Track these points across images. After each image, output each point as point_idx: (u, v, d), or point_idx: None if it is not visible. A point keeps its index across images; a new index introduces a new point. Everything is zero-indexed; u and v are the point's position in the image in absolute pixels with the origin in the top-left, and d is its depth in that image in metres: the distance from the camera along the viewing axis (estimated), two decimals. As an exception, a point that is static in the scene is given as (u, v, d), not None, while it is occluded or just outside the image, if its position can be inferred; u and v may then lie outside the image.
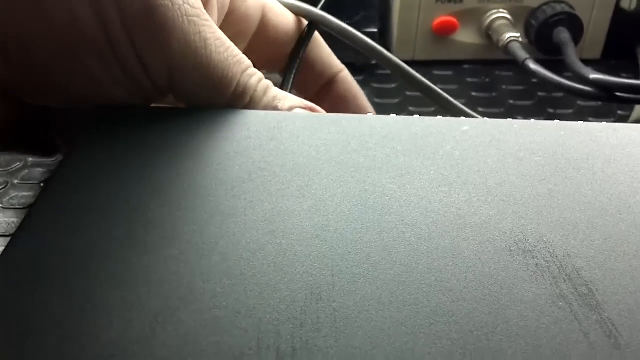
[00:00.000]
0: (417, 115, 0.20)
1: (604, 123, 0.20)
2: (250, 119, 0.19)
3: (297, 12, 0.28)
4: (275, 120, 0.19)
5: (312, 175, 0.17)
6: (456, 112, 0.29)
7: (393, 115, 0.21)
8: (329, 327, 0.12)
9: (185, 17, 0.18)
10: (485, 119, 0.21)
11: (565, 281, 0.13)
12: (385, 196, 0.16)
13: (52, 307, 0.13)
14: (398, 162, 0.18)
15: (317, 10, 0.28)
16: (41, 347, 0.12)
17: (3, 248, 0.14)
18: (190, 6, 0.18)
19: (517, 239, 0.15)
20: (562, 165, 0.18)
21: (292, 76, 0.26)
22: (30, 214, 0.15)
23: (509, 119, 0.21)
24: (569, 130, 0.20)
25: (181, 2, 0.18)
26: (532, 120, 0.21)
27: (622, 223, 0.15)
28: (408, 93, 0.37)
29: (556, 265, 0.14)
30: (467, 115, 0.29)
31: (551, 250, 0.14)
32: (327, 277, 0.14)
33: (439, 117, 0.21)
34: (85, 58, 0.18)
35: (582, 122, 0.20)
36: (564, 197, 0.16)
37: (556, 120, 0.20)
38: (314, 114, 0.21)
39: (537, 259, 0.14)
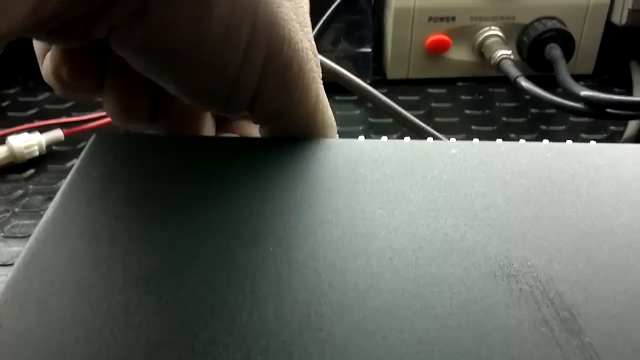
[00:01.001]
0: (408, 138, 0.21)
1: (590, 143, 0.20)
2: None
3: None
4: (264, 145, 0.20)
5: (301, 200, 0.17)
6: (424, 135, 0.30)
7: (384, 139, 0.21)
8: (317, 356, 0.13)
9: (311, 73, 0.19)
10: (474, 140, 0.21)
11: (547, 306, 0.14)
12: (374, 222, 0.17)
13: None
14: (387, 186, 0.18)
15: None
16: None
17: (5, 277, 0.15)
18: (316, 66, 0.19)
19: (501, 263, 0.15)
20: (548, 188, 0.18)
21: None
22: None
23: (497, 141, 0.21)
24: (555, 152, 0.20)
25: (312, 57, 0.19)
26: (520, 141, 0.21)
27: (604, 246, 0.16)
28: (371, 120, 0.37)
29: (539, 289, 0.14)
30: (435, 138, 0.30)
31: (535, 275, 0.15)
32: (315, 305, 0.14)
33: (429, 140, 0.21)
34: (212, 64, 0.18)
35: (569, 142, 0.21)
36: (548, 220, 0.17)
37: (544, 141, 0.21)
38: (294, 140, 0.21)
39: (521, 283, 0.14)
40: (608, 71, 0.42)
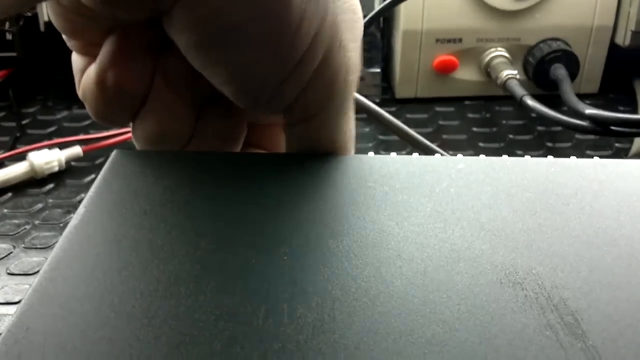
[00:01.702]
0: (416, 154, 0.22)
1: (594, 159, 0.21)
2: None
3: None
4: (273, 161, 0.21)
5: (313, 212, 0.18)
6: (431, 153, 0.31)
7: (393, 154, 0.22)
8: (330, 357, 0.13)
9: (353, 84, 0.20)
10: (481, 156, 0.22)
11: (552, 311, 0.14)
12: (384, 232, 0.17)
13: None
14: (396, 199, 0.19)
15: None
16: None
17: (27, 287, 0.15)
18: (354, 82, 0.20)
19: (507, 271, 0.16)
20: (552, 200, 0.19)
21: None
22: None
23: (503, 157, 0.22)
24: (559, 167, 0.20)
25: (356, 71, 0.20)
26: (526, 157, 0.22)
27: (607, 255, 0.16)
28: (381, 137, 0.38)
29: (544, 296, 0.15)
30: (441, 155, 0.31)
31: (540, 282, 0.15)
32: (328, 309, 0.15)
33: (436, 156, 0.22)
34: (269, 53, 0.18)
35: (573, 158, 0.21)
36: (552, 231, 0.17)
37: (549, 157, 0.21)
38: (307, 156, 0.22)
39: (527, 290, 0.15)
40: (613, 90, 0.43)
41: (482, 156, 0.22)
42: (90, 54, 0.19)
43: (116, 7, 0.17)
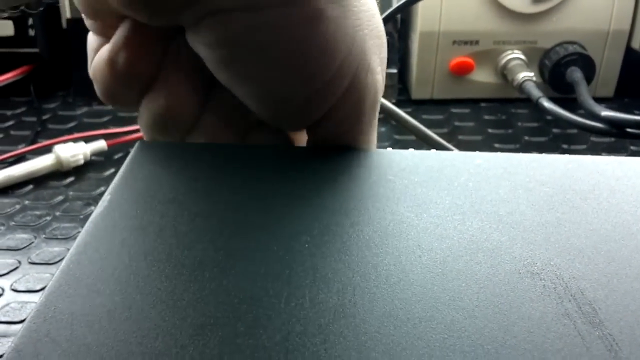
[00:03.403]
0: (434, 150, 0.22)
1: (610, 157, 0.21)
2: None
3: None
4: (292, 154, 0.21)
5: (333, 203, 0.18)
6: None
7: (411, 150, 0.22)
8: (352, 341, 0.14)
9: (379, 103, 0.21)
10: (498, 153, 0.22)
11: (570, 301, 0.15)
12: (403, 223, 0.18)
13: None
14: (415, 192, 0.19)
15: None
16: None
17: (49, 275, 0.16)
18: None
19: (525, 262, 0.16)
20: (570, 195, 0.19)
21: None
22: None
23: (520, 153, 0.22)
24: (576, 164, 0.21)
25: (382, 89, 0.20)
26: (542, 154, 0.22)
27: (624, 248, 0.16)
28: (397, 137, 0.39)
29: (562, 286, 0.15)
30: None
31: (557, 273, 0.15)
32: (349, 295, 0.15)
33: (455, 151, 0.22)
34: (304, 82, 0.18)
35: (589, 155, 0.21)
36: (570, 225, 0.17)
37: (565, 154, 0.22)
38: (328, 149, 0.23)
39: (544, 280, 0.15)
40: (628, 94, 0.43)
41: (499, 153, 0.22)
42: (106, 35, 0.20)
43: (137, 12, 0.18)
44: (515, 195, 0.19)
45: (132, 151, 0.21)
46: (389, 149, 0.23)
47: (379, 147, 0.37)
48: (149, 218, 0.18)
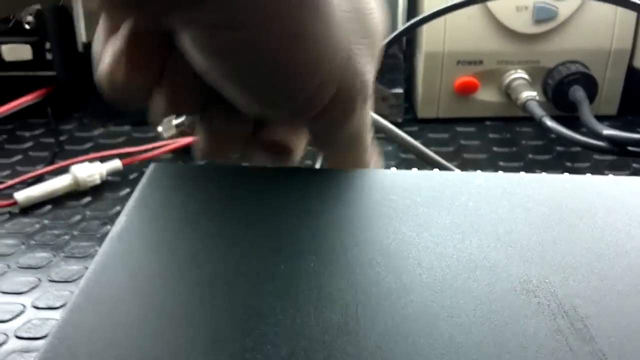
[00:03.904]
0: (437, 170, 0.23)
1: (608, 176, 0.22)
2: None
3: None
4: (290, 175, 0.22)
5: (338, 223, 0.19)
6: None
7: (414, 170, 0.23)
8: (354, 356, 0.14)
9: (369, 103, 0.22)
10: (499, 172, 0.23)
11: (563, 317, 0.15)
12: (404, 242, 0.18)
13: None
14: (417, 212, 0.20)
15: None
16: None
17: (68, 293, 0.17)
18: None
19: (521, 280, 0.17)
20: (566, 215, 0.20)
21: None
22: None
23: (520, 173, 0.23)
24: (574, 183, 0.21)
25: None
26: (542, 173, 0.23)
27: (617, 266, 0.17)
28: (402, 155, 0.39)
29: (556, 303, 0.16)
30: None
31: (552, 290, 0.16)
32: (352, 312, 0.16)
33: (456, 171, 0.23)
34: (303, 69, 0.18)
35: (587, 175, 0.22)
36: (566, 243, 0.18)
37: (565, 174, 0.22)
38: (333, 170, 0.23)
39: (539, 297, 0.16)
40: (631, 112, 0.43)
41: (500, 172, 0.23)
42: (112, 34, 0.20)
43: (126, 15, 0.18)
44: (514, 214, 0.20)
45: (147, 172, 0.22)
46: (393, 168, 0.24)
47: (384, 166, 0.38)
48: (162, 238, 0.19)
